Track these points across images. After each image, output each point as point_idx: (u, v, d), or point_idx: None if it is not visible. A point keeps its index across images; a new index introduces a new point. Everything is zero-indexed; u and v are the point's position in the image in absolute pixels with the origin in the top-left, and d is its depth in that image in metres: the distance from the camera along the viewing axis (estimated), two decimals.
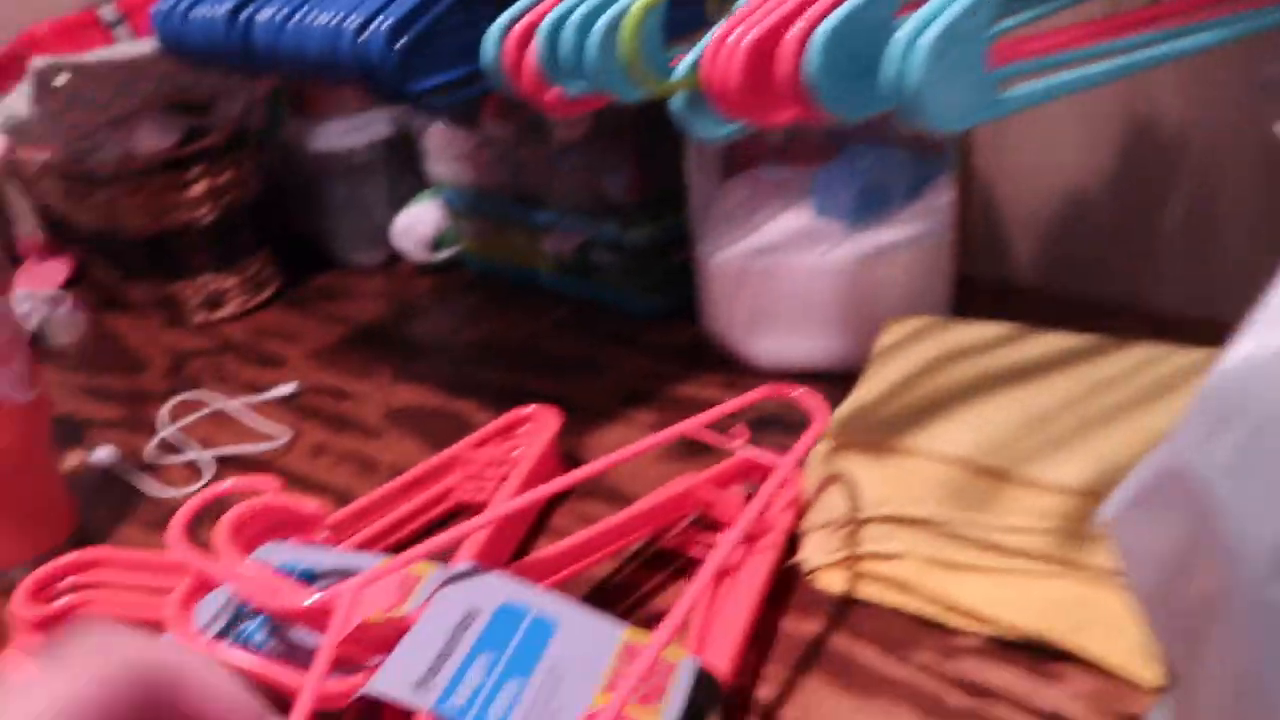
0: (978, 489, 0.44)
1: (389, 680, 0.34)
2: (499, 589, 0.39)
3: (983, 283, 0.71)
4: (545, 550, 0.41)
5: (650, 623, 0.45)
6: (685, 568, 0.49)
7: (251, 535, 0.40)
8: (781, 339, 0.64)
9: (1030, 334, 0.53)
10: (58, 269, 0.90)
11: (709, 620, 0.42)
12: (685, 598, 0.38)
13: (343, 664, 0.38)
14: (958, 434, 0.45)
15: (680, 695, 0.36)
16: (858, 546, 0.46)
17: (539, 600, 0.39)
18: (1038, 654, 0.41)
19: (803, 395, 0.48)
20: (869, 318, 0.60)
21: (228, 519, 0.38)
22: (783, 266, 0.62)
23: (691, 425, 0.46)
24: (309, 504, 0.39)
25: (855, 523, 0.46)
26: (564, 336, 0.77)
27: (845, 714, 0.40)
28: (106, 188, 0.78)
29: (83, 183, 0.79)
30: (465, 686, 0.34)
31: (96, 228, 0.82)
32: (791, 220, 0.64)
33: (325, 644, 0.33)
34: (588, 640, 0.37)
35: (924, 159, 0.63)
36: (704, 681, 0.37)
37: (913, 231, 0.61)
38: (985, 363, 0.51)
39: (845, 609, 0.45)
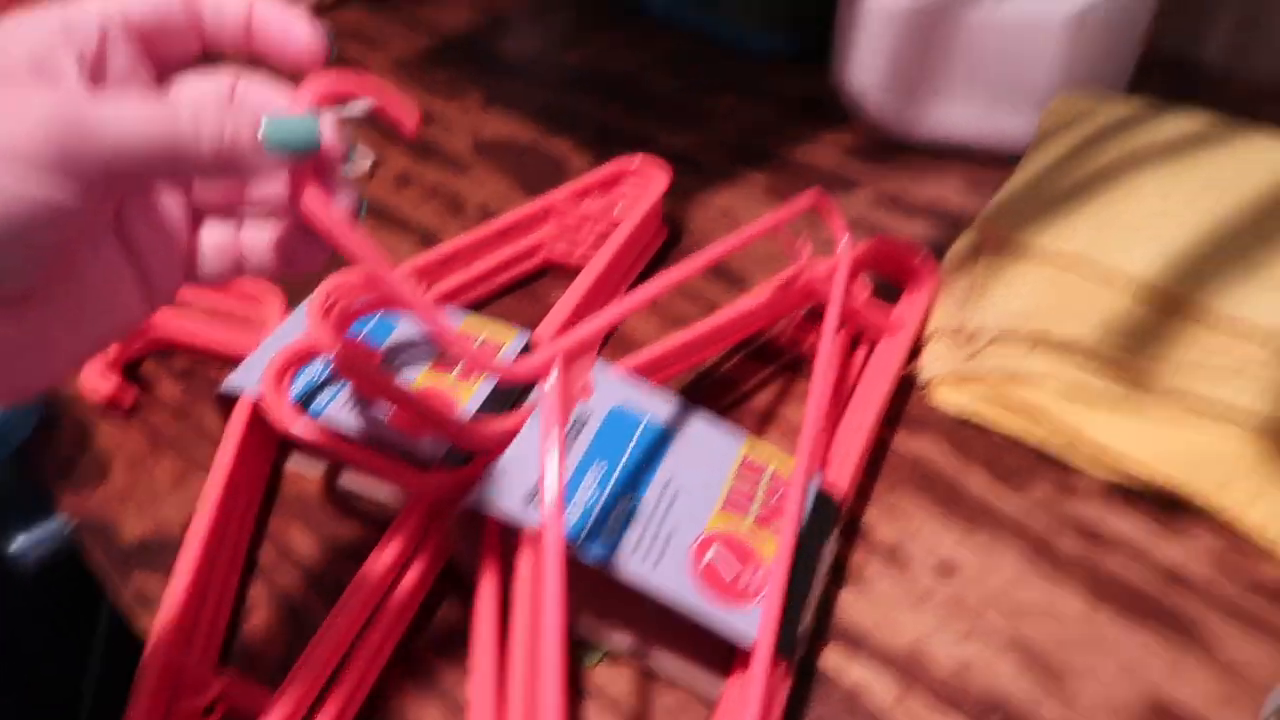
0: (1148, 315, 0.38)
1: (495, 494, 0.31)
2: (609, 388, 0.35)
3: (1162, 59, 0.60)
4: (655, 348, 0.37)
5: (755, 421, 0.42)
6: (794, 364, 0.45)
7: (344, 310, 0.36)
8: (941, 104, 0.55)
9: (1227, 130, 0.44)
10: None
11: (826, 432, 0.39)
12: (809, 413, 0.34)
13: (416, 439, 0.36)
14: (1132, 247, 0.39)
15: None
16: (985, 362, 0.41)
17: (651, 404, 0.35)
18: (1164, 506, 0.38)
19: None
20: (1037, 88, 0.52)
21: (318, 297, 0.34)
22: (959, 16, 0.52)
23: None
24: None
25: (988, 335, 0.41)
26: (673, 73, 0.69)
27: (946, 544, 0.38)
28: None
29: None
30: (577, 503, 0.31)
31: None
32: None
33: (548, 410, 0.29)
34: (705, 453, 0.34)
35: None
36: (824, 504, 0.35)
37: None
38: (1171, 160, 0.43)
39: (959, 429, 0.42)
